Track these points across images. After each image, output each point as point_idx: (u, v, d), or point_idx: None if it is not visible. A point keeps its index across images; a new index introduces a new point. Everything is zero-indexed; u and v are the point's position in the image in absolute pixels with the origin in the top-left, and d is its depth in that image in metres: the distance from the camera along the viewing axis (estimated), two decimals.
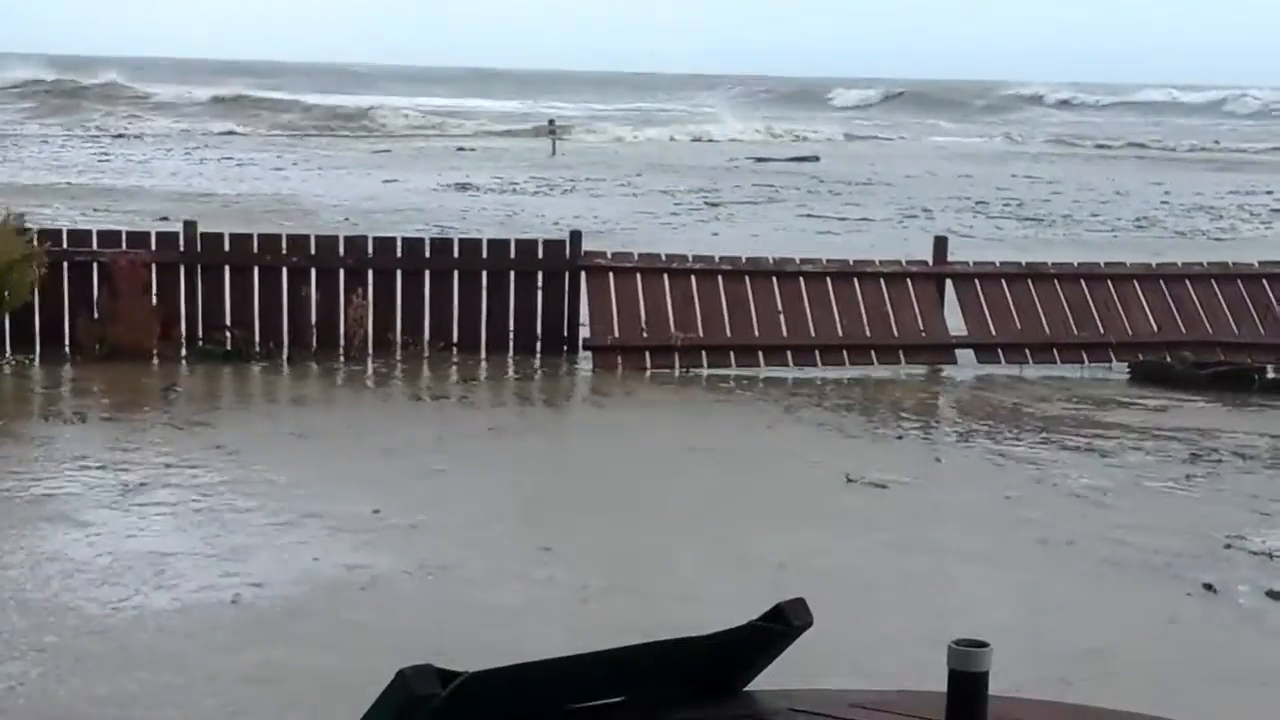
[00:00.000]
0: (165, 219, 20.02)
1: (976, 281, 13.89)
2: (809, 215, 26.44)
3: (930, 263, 13.95)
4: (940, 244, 14.11)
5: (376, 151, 42.36)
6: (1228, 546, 8.00)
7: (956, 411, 12.02)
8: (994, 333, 13.67)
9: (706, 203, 28.15)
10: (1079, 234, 24.67)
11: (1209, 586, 7.31)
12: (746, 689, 3.60)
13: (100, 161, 35.44)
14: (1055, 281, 14.04)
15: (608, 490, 9.10)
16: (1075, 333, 13.81)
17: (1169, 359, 13.47)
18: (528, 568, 7.34)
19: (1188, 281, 14.31)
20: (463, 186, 30.41)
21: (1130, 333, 13.87)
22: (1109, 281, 14.14)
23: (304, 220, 21.80)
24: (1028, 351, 13.70)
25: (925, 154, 47.57)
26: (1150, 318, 14.00)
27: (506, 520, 8.27)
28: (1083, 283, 14.08)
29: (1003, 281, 13.92)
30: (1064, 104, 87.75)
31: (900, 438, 10.73)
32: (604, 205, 26.97)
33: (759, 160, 42.18)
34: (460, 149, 43.56)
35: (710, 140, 53.07)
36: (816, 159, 43.33)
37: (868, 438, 10.65)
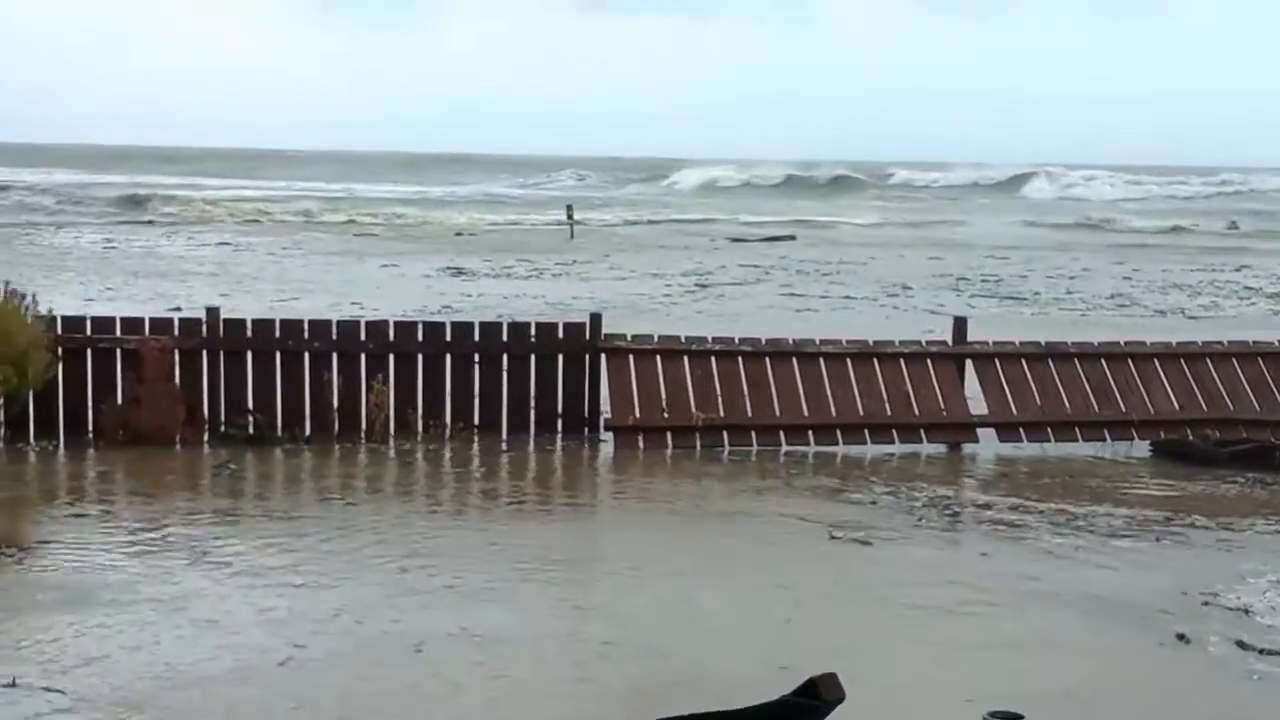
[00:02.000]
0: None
1: (997, 361, 13.90)
2: (793, 294, 27.11)
3: (950, 342, 13.98)
4: (960, 324, 14.15)
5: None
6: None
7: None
8: (1015, 412, 13.66)
9: (697, 284, 28.56)
10: (1066, 312, 24.92)
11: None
12: None
13: None
14: (1076, 361, 14.05)
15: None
16: (1097, 411, 13.79)
17: (1191, 437, 13.45)
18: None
19: (1208, 360, 14.30)
20: (457, 271, 30.64)
21: (1152, 411, 13.85)
22: (1130, 360, 14.14)
23: None
24: (1049, 430, 13.67)
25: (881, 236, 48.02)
26: (1172, 396, 13.98)
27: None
28: (1103, 362, 14.08)
29: (1023, 361, 13.93)
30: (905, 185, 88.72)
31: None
32: (601, 289, 27.21)
33: (734, 240, 43.25)
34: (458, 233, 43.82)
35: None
36: (793, 238, 44.37)
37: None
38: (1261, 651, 7.61)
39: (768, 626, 7.92)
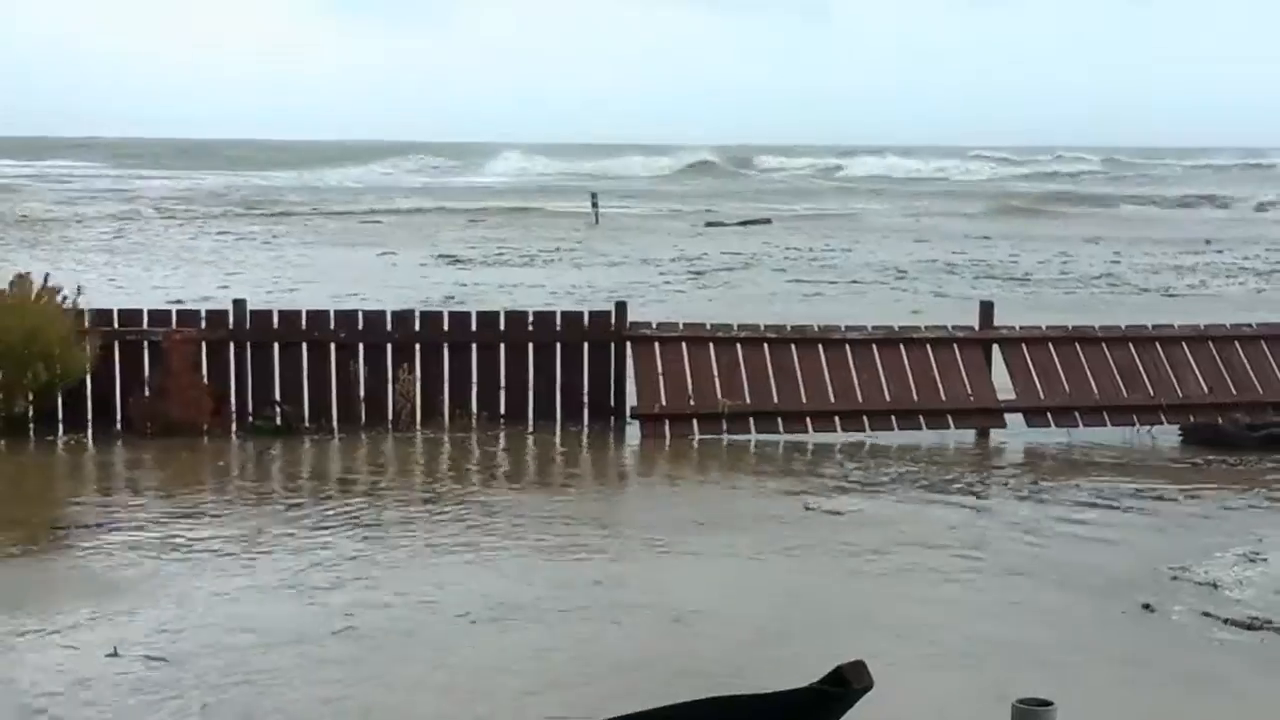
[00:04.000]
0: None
1: (1023, 346, 13.84)
2: (798, 280, 27.10)
3: (976, 327, 13.93)
4: (986, 309, 14.10)
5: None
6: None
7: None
8: (1043, 397, 13.60)
9: (690, 272, 28.51)
10: (1066, 295, 24.90)
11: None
12: None
13: None
14: (1103, 345, 13.98)
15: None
16: (1125, 395, 13.73)
17: (1220, 420, 13.38)
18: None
19: (1237, 343, 14.21)
20: (453, 260, 30.71)
21: (1181, 395, 13.78)
22: (1157, 344, 14.08)
23: None
24: (1077, 415, 13.62)
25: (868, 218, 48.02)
26: (1200, 379, 13.91)
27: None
28: (1131, 345, 14.01)
29: (1049, 345, 13.87)
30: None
31: None
32: (597, 276, 27.23)
33: (709, 225, 43.31)
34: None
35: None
36: (768, 221, 44.50)
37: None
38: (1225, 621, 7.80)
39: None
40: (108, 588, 8.15)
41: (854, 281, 26.78)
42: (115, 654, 6.97)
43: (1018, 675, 6.73)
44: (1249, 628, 7.66)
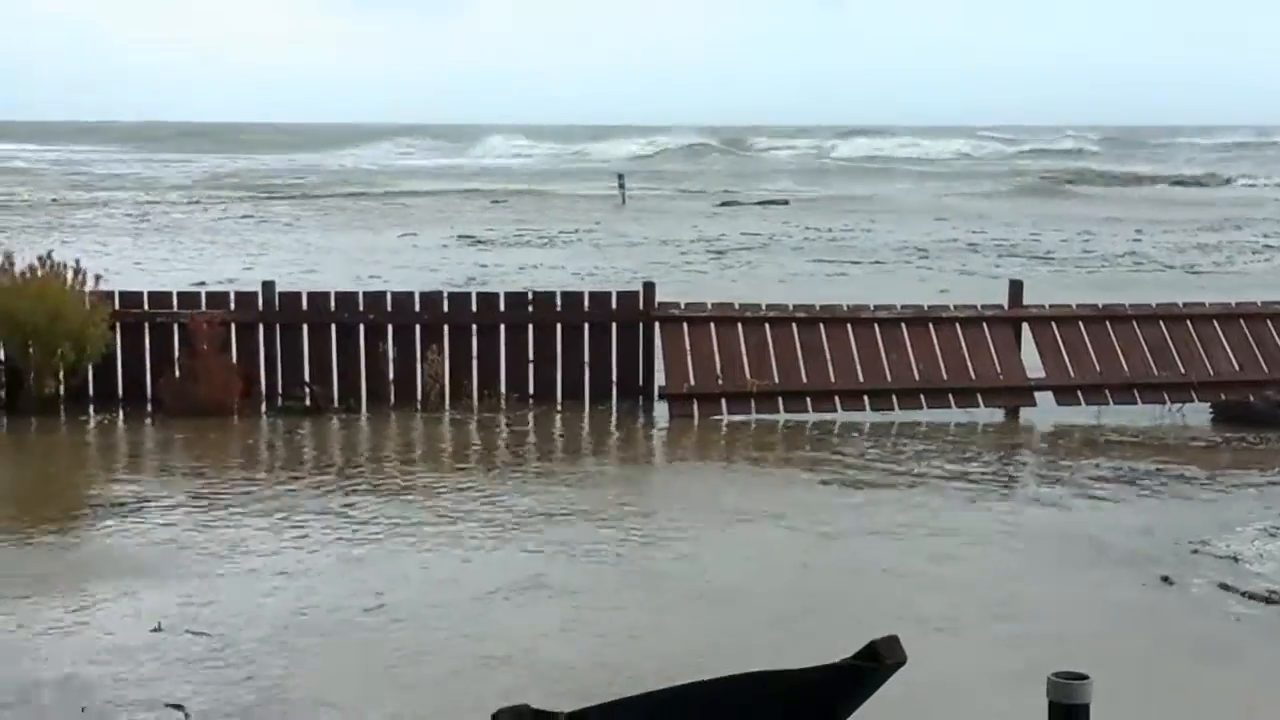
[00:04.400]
0: None
1: (1053, 324, 13.78)
2: (820, 260, 27.07)
3: (1006, 306, 13.87)
4: (1016, 288, 14.04)
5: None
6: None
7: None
8: (1073, 375, 13.54)
9: (710, 252, 28.45)
10: (1090, 274, 24.75)
11: None
12: None
13: None
14: (1133, 323, 13.91)
15: None
16: (1156, 373, 13.66)
17: (1252, 398, 13.30)
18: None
19: (1269, 320, 14.12)
20: (474, 241, 30.75)
21: (1212, 372, 13.70)
22: (1188, 321, 13.99)
23: None
24: (1108, 393, 13.55)
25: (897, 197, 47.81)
26: (1232, 357, 13.82)
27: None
28: (1161, 323, 13.93)
29: (1080, 324, 13.80)
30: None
31: None
32: (617, 257, 27.22)
33: (724, 204, 43.22)
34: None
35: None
36: (786, 202, 44.31)
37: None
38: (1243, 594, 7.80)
39: None
40: (142, 566, 8.18)
41: (876, 262, 26.73)
42: (159, 629, 7.04)
43: (1032, 646, 6.80)
44: (1267, 601, 7.65)
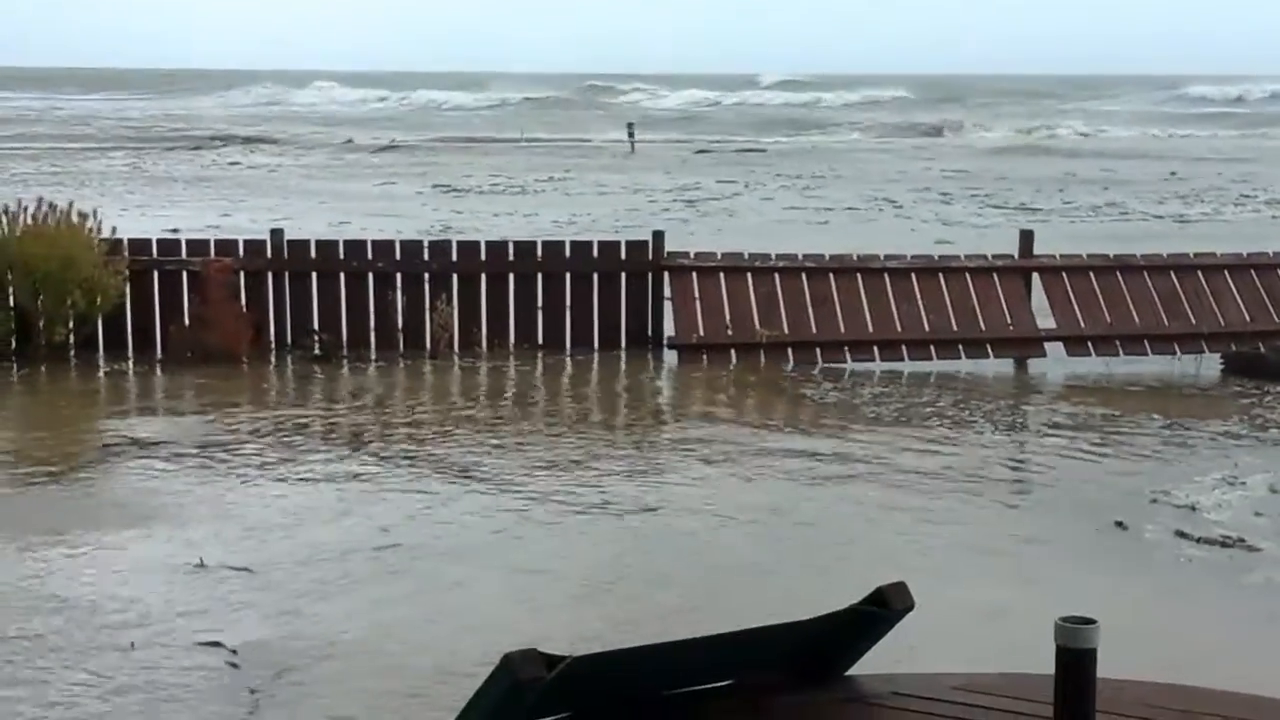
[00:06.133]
0: None
1: (1064, 275, 13.74)
2: (795, 207, 27.33)
3: (1016, 256, 13.83)
4: (1026, 238, 13.99)
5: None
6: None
7: None
8: (1083, 326, 13.51)
9: (683, 201, 28.50)
10: (1082, 225, 24.65)
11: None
12: (848, 673, 3.59)
13: None
14: (1145, 273, 13.87)
15: None
16: (1166, 324, 13.63)
17: (1262, 349, 13.27)
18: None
19: (1279, 271, 14.08)
20: (448, 189, 30.81)
21: (1223, 323, 13.67)
22: (1199, 272, 13.95)
23: None
24: (1118, 344, 13.53)
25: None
26: (1243, 307, 13.79)
27: None
28: (1172, 274, 13.89)
29: (1091, 274, 13.76)
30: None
31: None
32: (588, 205, 27.26)
33: (699, 152, 43.83)
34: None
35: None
36: (764, 150, 44.91)
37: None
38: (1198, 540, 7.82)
39: None
40: (158, 510, 8.22)
41: (850, 209, 26.86)
42: (202, 564, 7.16)
43: (975, 583, 6.97)
44: (1223, 545, 7.70)
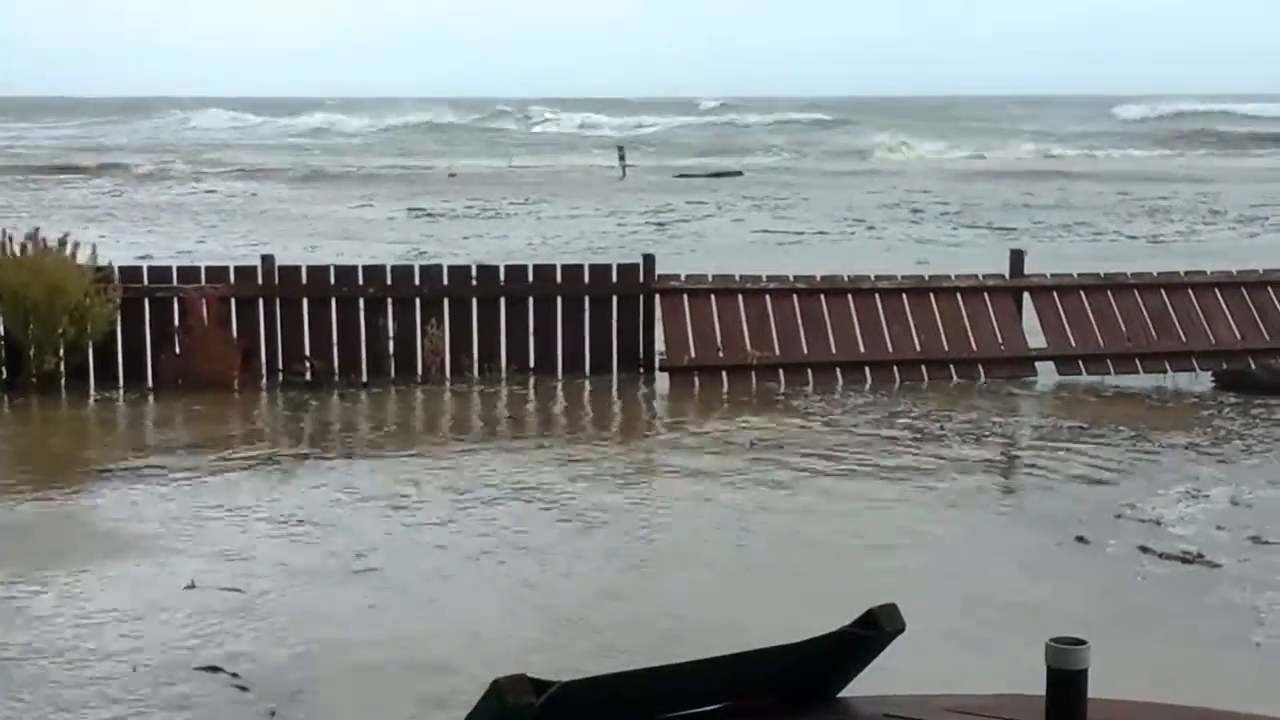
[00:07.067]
0: None
1: (1055, 294, 13.76)
2: (765, 231, 27.28)
3: (1007, 276, 13.85)
4: (1017, 257, 14.02)
5: None
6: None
7: None
8: (1074, 344, 13.53)
9: (652, 223, 28.57)
10: (1053, 243, 24.64)
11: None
12: (840, 696, 3.57)
13: None
14: (1135, 291, 13.89)
15: None
16: (1157, 342, 13.65)
17: (1253, 366, 13.29)
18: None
19: (1270, 288, 14.10)
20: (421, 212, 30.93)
21: (1214, 341, 13.69)
22: (1190, 290, 13.97)
23: None
24: (1109, 362, 13.54)
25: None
26: (1233, 326, 13.81)
27: None
28: (1163, 292, 13.92)
29: (1081, 293, 13.79)
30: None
31: None
32: (560, 228, 27.39)
33: (678, 176, 43.80)
34: None
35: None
36: (739, 173, 44.89)
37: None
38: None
39: None
40: (147, 537, 8.22)
41: (821, 232, 26.88)
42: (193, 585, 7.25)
43: (937, 602, 6.95)
44: (1183, 561, 7.74)
